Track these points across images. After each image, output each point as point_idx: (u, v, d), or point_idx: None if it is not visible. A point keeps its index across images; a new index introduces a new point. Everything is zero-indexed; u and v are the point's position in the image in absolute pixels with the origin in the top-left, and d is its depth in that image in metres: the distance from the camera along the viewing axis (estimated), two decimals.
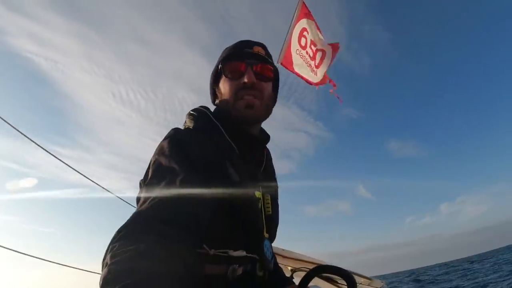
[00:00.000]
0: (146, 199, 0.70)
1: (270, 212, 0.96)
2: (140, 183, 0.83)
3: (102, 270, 0.56)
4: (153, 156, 0.83)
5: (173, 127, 0.92)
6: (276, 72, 1.05)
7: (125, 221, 0.65)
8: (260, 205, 0.93)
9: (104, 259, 0.58)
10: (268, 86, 1.01)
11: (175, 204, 0.68)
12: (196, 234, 0.69)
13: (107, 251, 0.59)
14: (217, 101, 1.05)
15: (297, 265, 2.16)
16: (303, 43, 4.03)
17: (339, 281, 2.05)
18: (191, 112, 0.98)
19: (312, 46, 4.18)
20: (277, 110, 1.08)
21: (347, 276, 0.95)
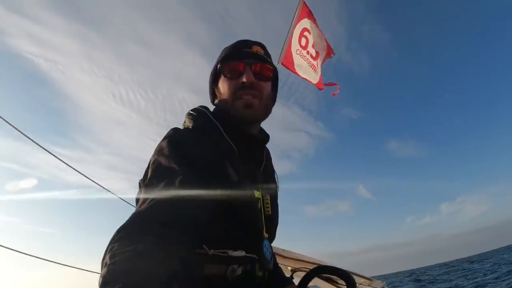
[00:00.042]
0: (145, 199, 0.70)
1: (270, 212, 0.96)
2: (139, 183, 0.83)
3: (101, 270, 0.56)
4: (152, 156, 0.83)
5: (173, 127, 0.92)
6: (275, 71, 1.04)
7: (124, 221, 0.65)
8: (259, 205, 0.93)
9: (103, 259, 0.58)
10: (267, 86, 1.00)
11: (174, 205, 0.68)
12: (195, 235, 0.69)
13: (106, 251, 0.59)
14: (216, 101, 1.05)
15: (297, 265, 2.16)
16: (303, 43, 4.02)
17: (339, 282, 2.05)
18: (190, 112, 0.98)
19: (314, 46, 4.18)
20: (277, 110, 1.08)
21: (347, 276, 0.95)
